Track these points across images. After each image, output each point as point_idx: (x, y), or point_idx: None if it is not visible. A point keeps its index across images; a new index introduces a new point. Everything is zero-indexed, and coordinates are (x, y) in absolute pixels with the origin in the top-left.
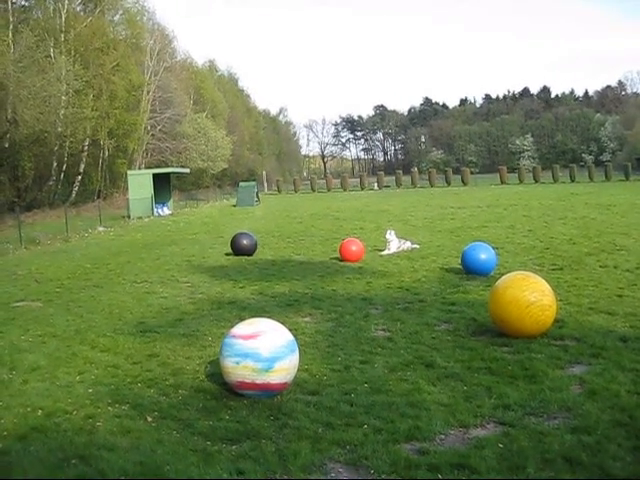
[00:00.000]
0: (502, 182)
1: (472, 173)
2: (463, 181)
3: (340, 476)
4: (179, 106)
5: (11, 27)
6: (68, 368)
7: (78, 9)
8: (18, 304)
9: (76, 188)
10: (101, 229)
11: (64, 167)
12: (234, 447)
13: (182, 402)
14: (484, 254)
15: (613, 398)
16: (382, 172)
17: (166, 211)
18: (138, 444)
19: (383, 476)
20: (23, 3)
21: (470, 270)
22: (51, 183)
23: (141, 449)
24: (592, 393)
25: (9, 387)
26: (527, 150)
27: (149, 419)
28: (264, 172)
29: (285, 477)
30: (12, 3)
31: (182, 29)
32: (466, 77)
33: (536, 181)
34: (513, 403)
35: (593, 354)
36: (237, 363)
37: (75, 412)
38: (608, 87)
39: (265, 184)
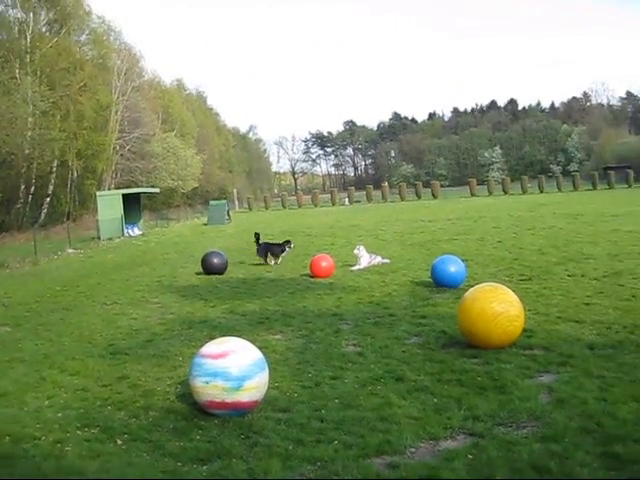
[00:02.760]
0: (472, 194)
1: (442, 186)
2: (433, 194)
3: None
4: (148, 125)
5: None
6: (37, 393)
7: (44, 29)
8: None
9: (45, 210)
10: (70, 251)
11: (32, 189)
12: (205, 467)
13: (153, 424)
14: (454, 267)
15: (581, 406)
16: (353, 187)
17: (137, 231)
18: (108, 467)
19: None
20: None
21: (440, 283)
22: (19, 206)
23: (111, 472)
24: (560, 401)
25: None
26: (496, 162)
27: (119, 442)
28: (235, 190)
29: None
30: None
31: (149, 48)
32: (434, 91)
33: (505, 192)
34: (483, 414)
35: (561, 362)
36: (207, 383)
37: (44, 437)
38: (574, 98)
39: (236, 202)
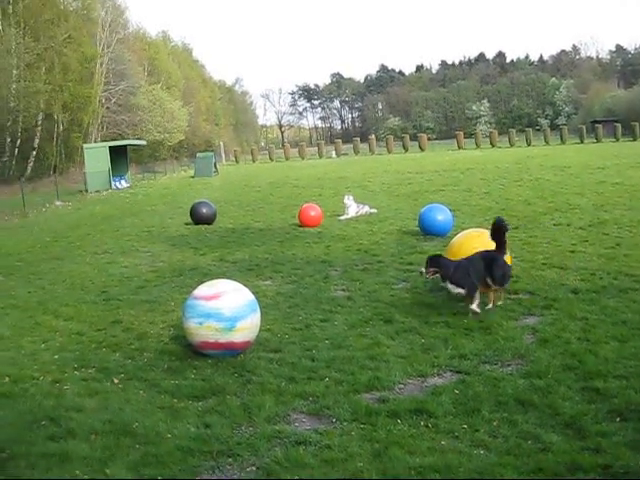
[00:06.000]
0: (459, 147)
1: (429, 139)
2: (420, 147)
3: (304, 425)
4: (133, 78)
5: None
6: (32, 337)
7: None
8: None
9: (31, 163)
10: (59, 203)
11: (18, 142)
12: (200, 403)
13: (148, 364)
14: (441, 215)
15: (564, 345)
16: (340, 140)
17: (124, 184)
18: (106, 404)
19: (345, 423)
20: None
21: (427, 231)
22: (5, 159)
23: (109, 409)
24: (544, 341)
25: None
26: (484, 115)
27: (116, 381)
28: (221, 143)
29: (251, 428)
30: None
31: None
32: (422, 43)
33: (493, 146)
34: (469, 353)
35: (545, 306)
36: (200, 324)
37: (42, 377)
38: (562, 51)
39: (223, 155)
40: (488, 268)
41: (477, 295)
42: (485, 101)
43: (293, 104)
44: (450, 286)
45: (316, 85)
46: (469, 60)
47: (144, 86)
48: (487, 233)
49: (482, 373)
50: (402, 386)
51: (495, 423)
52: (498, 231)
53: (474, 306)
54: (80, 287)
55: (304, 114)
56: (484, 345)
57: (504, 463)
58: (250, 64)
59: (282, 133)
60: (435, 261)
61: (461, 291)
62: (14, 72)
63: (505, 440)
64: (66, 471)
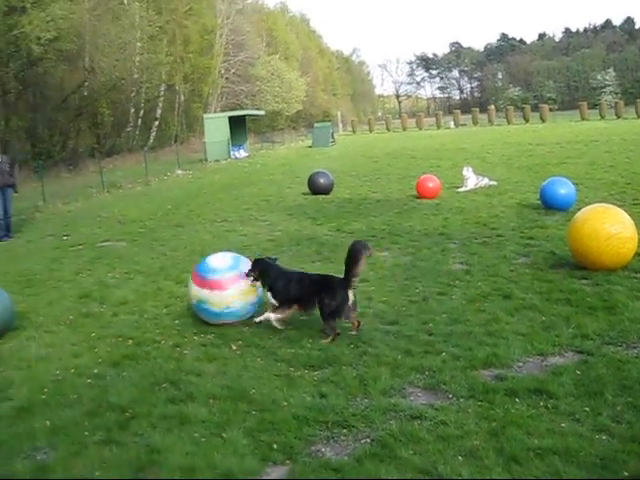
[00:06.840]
0: (582, 118)
1: (551, 110)
2: (541, 118)
3: (419, 400)
4: (252, 49)
5: None
6: (155, 302)
7: None
8: (104, 244)
9: (153, 133)
10: (179, 172)
11: (141, 113)
12: (316, 373)
13: (265, 332)
14: (564, 189)
15: None
16: (458, 110)
17: (242, 153)
18: (224, 370)
19: (461, 400)
20: None
21: (549, 205)
22: (129, 129)
23: (227, 374)
24: None
25: (100, 319)
26: (609, 85)
27: (234, 347)
28: (339, 113)
29: (366, 400)
30: None
31: None
32: (544, 10)
33: (618, 117)
34: (592, 333)
35: None
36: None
37: (163, 341)
38: None
39: (340, 125)
40: (319, 294)
41: (284, 313)
42: (611, 70)
43: (411, 74)
44: (268, 294)
45: (434, 54)
46: (594, 27)
47: (262, 57)
48: (615, 209)
49: (606, 354)
50: (521, 364)
51: (619, 408)
52: (351, 257)
53: (267, 315)
54: (200, 254)
55: (422, 84)
56: (608, 325)
57: (628, 450)
58: (367, 34)
59: (399, 103)
60: (257, 265)
61: (275, 302)
62: (137, 45)
63: (630, 426)
64: (185, 433)
